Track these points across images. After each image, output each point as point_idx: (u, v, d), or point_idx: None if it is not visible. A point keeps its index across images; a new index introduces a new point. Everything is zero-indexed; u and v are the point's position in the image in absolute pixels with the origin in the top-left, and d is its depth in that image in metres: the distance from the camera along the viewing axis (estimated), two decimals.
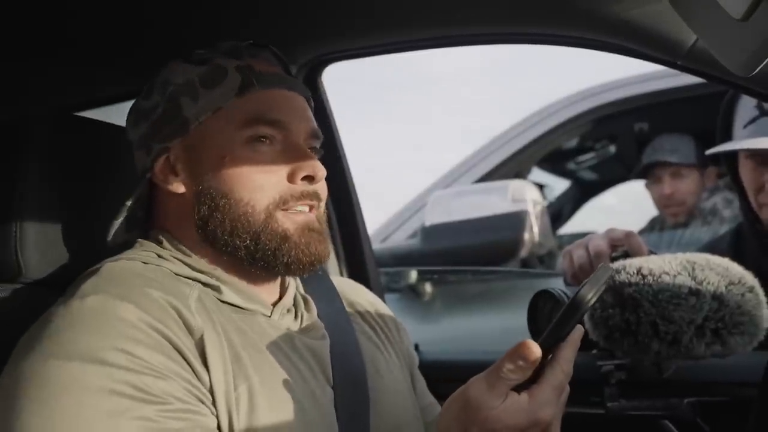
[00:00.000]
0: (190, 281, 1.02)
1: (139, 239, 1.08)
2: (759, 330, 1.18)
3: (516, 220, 2.50)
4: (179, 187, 1.06)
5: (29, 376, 0.85)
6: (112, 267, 0.99)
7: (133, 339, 0.87)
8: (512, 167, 3.12)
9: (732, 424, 1.30)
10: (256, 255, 1.03)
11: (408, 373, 1.25)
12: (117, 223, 1.10)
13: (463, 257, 2.47)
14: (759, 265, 1.30)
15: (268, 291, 1.09)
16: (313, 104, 1.16)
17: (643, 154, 2.92)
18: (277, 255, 1.02)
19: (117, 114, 1.43)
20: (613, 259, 1.35)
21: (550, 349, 0.84)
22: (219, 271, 1.05)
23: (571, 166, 3.53)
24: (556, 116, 3.07)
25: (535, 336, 1.17)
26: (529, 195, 2.58)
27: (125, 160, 1.14)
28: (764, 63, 0.75)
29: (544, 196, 3.12)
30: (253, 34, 1.18)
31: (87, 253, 1.12)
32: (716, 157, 1.78)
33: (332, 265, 1.70)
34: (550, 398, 0.83)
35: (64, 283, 1.01)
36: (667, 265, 1.18)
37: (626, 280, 1.18)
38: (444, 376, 1.33)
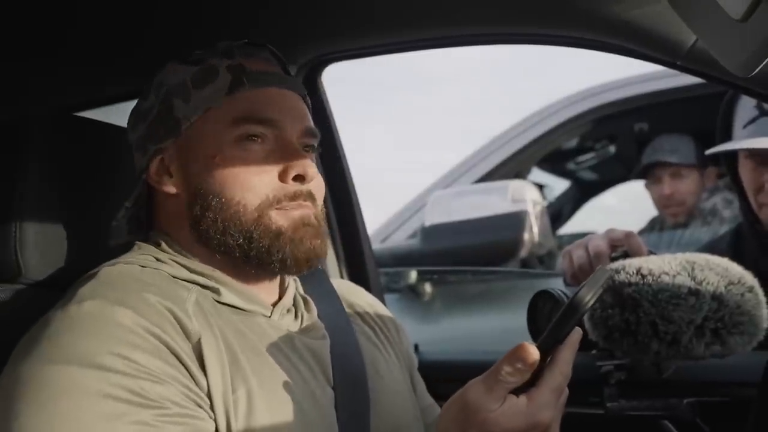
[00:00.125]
0: (187, 284, 1.01)
1: (138, 242, 1.08)
2: (758, 330, 1.18)
3: (516, 221, 2.50)
4: (173, 188, 1.07)
5: (27, 379, 0.85)
6: (109, 271, 0.99)
7: (130, 343, 0.87)
8: (512, 167, 3.12)
9: (731, 424, 1.30)
10: (250, 253, 1.02)
11: (408, 374, 1.25)
12: (118, 224, 1.10)
13: (462, 257, 2.47)
14: (758, 265, 1.30)
15: (268, 291, 1.09)
16: (309, 102, 1.15)
17: (643, 154, 2.92)
18: (271, 252, 1.02)
19: (117, 114, 1.43)
20: (613, 260, 1.35)
21: (548, 351, 0.84)
22: (217, 273, 1.05)
23: (570, 166, 3.53)
24: (556, 116, 3.07)
25: (534, 336, 1.18)
26: (529, 195, 2.58)
27: (125, 161, 1.14)
28: (764, 63, 0.75)
29: (543, 197, 3.12)
30: (253, 34, 1.18)
31: (87, 254, 1.12)
32: (716, 157, 1.78)
33: (332, 265, 1.70)
34: (548, 401, 0.83)
35: (63, 284, 1.01)
36: (666, 265, 1.18)
37: (626, 280, 1.18)
38: (444, 376, 1.33)
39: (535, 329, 1.37)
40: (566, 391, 0.87)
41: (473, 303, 2.30)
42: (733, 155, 1.65)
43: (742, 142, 1.58)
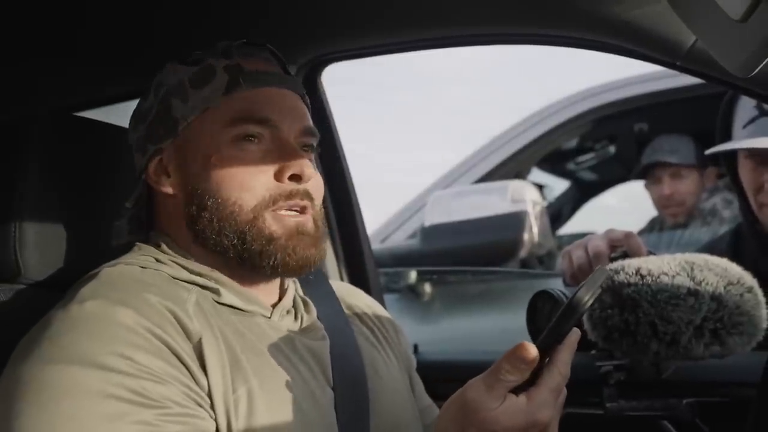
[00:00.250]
0: (188, 285, 1.01)
1: (138, 243, 1.08)
2: (758, 330, 1.18)
3: (515, 221, 2.51)
4: (171, 188, 1.07)
5: (28, 379, 0.85)
6: (110, 272, 0.99)
7: (131, 344, 0.87)
8: (512, 167, 3.12)
9: (731, 424, 1.30)
10: (243, 255, 1.02)
11: (406, 375, 1.25)
12: (119, 224, 1.10)
13: (462, 257, 2.48)
14: (758, 265, 1.30)
15: (267, 292, 1.09)
16: (308, 102, 1.15)
17: (643, 154, 2.92)
18: (263, 257, 1.02)
19: (117, 114, 1.43)
20: (612, 260, 1.35)
21: (547, 351, 0.84)
22: (216, 273, 1.05)
23: (570, 166, 3.53)
24: (556, 116, 3.07)
25: (534, 336, 1.18)
26: (529, 195, 2.58)
27: (126, 161, 1.14)
28: (763, 63, 0.75)
29: (543, 197, 3.12)
30: (253, 34, 1.18)
31: (86, 254, 1.12)
32: (716, 157, 1.78)
33: (331, 265, 1.70)
34: (547, 400, 0.83)
35: (63, 284, 1.01)
36: (665, 266, 1.18)
37: (625, 281, 1.18)
38: (443, 376, 1.33)
39: (534, 329, 1.37)
40: (564, 391, 0.87)
41: (473, 303, 2.30)
42: (732, 155, 1.65)
43: (741, 142, 1.58)
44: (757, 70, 0.76)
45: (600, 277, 0.86)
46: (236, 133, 1.03)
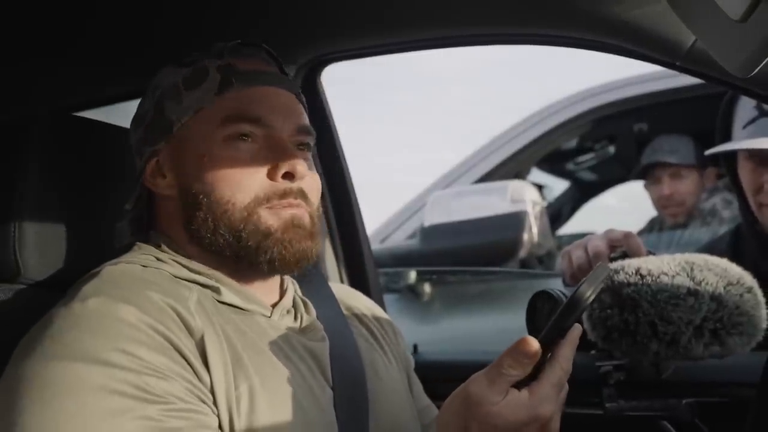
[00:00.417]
0: (188, 283, 1.02)
1: (138, 243, 1.08)
2: (757, 330, 1.18)
3: (515, 221, 2.51)
4: (167, 190, 1.07)
5: (31, 377, 0.86)
6: (112, 270, 1.00)
7: (134, 340, 0.88)
8: (512, 167, 3.12)
9: (730, 424, 1.30)
10: (239, 253, 1.03)
11: (405, 376, 1.26)
12: (121, 226, 1.11)
13: (462, 258, 2.48)
14: (758, 265, 1.30)
15: (267, 292, 1.09)
16: (304, 100, 1.15)
17: (643, 154, 2.92)
18: (260, 252, 1.02)
19: (117, 114, 1.43)
20: (612, 260, 1.35)
21: (549, 346, 0.85)
22: (216, 273, 1.05)
23: (570, 166, 3.53)
24: (556, 116, 3.07)
25: (534, 336, 1.17)
26: (529, 195, 2.58)
27: (126, 161, 1.14)
28: (763, 64, 0.75)
29: (543, 197, 3.12)
30: (253, 34, 1.18)
31: (86, 254, 1.12)
32: (715, 157, 1.78)
33: (331, 265, 1.70)
34: (549, 395, 0.84)
35: (63, 284, 1.01)
36: (665, 266, 1.18)
37: (625, 281, 1.18)
38: (443, 376, 1.33)
39: (534, 329, 1.37)
40: (566, 386, 0.88)
41: (472, 303, 2.30)
42: (732, 156, 1.65)
43: (741, 142, 1.58)
44: (756, 70, 0.76)
45: (602, 273, 0.86)
46: (229, 133, 1.04)
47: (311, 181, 1.08)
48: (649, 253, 1.38)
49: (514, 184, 2.64)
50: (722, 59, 0.82)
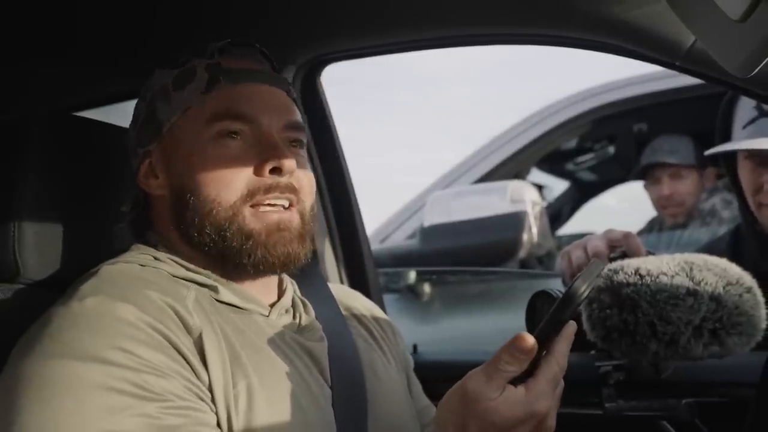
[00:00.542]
0: (187, 282, 1.02)
1: (136, 243, 1.09)
2: (757, 330, 1.18)
3: (515, 221, 2.51)
4: (160, 190, 1.08)
5: (30, 375, 0.86)
6: (110, 269, 1.00)
7: (132, 338, 0.88)
8: (511, 168, 3.12)
9: (730, 424, 1.30)
10: (225, 252, 1.02)
11: (404, 376, 1.26)
12: (120, 228, 1.11)
13: (462, 258, 2.48)
14: (757, 265, 1.30)
15: (265, 291, 1.09)
16: (294, 96, 1.15)
17: (642, 154, 2.92)
18: (242, 254, 1.02)
19: (117, 114, 1.43)
20: (612, 260, 1.35)
21: (545, 342, 0.85)
22: (213, 272, 1.05)
23: (570, 166, 3.53)
24: (556, 117, 3.07)
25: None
26: (528, 196, 2.58)
27: (125, 161, 1.14)
28: (763, 64, 0.75)
29: (543, 197, 3.12)
30: (252, 34, 1.18)
31: (85, 254, 1.12)
32: (715, 158, 1.78)
33: (330, 265, 1.70)
34: (546, 390, 0.84)
35: (62, 284, 1.01)
36: (665, 266, 1.18)
37: (624, 281, 1.18)
38: (443, 376, 1.32)
39: (533, 329, 1.37)
40: (562, 382, 0.88)
41: (472, 303, 2.30)
42: (732, 156, 1.65)
43: (741, 142, 1.58)
44: (756, 70, 0.76)
45: (596, 269, 0.87)
46: (216, 131, 1.04)
47: (304, 178, 1.07)
48: (649, 253, 1.38)
49: (513, 184, 2.64)
50: (722, 59, 0.82)
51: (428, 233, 2.62)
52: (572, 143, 3.35)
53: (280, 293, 1.12)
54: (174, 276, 1.02)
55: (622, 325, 1.18)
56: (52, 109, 1.32)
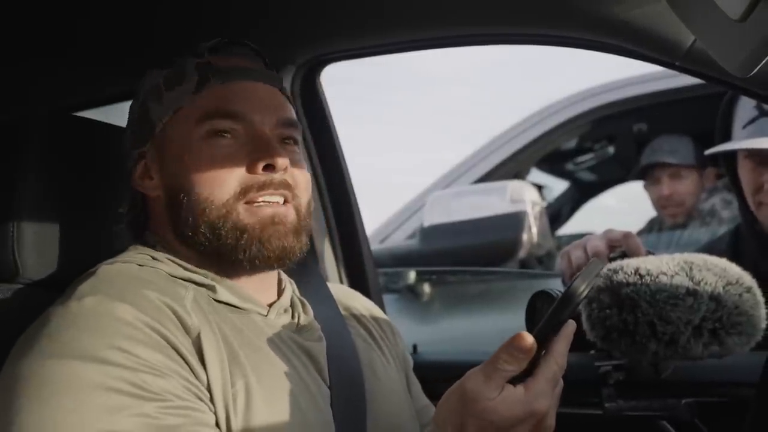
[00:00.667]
0: (185, 282, 1.02)
1: (134, 243, 1.09)
2: (756, 330, 1.18)
3: (515, 221, 2.51)
4: (155, 191, 1.08)
5: (28, 375, 0.86)
6: (108, 269, 1.00)
7: (130, 338, 0.88)
8: (511, 168, 3.12)
9: (730, 424, 1.30)
10: (220, 250, 1.02)
11: (403, 375, 1.26)
12: (119, 229, 1.11)
13: (461, 258, 2.48)
14: (757, 265, 1.30)
15: (263, 291, 1.09)
16: (288, 93, 1.14)
17: (642, 154, 2.92)
18: (238, 249, 1.02)
19: (117, 114, 1.43)
20: (611, 260, 1.35)
21: (544, 342, 0.85)
22: (210, 272, 1.05)
23: (569, 166, 3.53)
24: (556, 117, 3.07)
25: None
26: (528, 196, 2.58)
27: (124, 161, 1.14)
28: (762, 63, 0.75)
29: (542, 197, 3.12)
30: (252, 34, 1.18)
31: (84, 254, 1.12)
32: (715, 157, 1.78)
33: (330, 265, 1.70)
34: (545, 390, 0.84)
35: (61, 284, 1.01)
36: (664, 266, 1.18)
37: (624, 280, 1.18)
38: (442, 376, 1.32)
39: (533, 329, 1.37)
40: (561, 382, 0.88)
41: (472, 303, 2.30)
42: (732, 156, 1.65)
43: (741, 142, 1.58)
44: (756, 69, 0.76)
45: (596, 268, 0.87)
46: (207, 130, 1.04)
47: (298, 175, 1.07)
48: (649, 253, 1.38)
49: (513, 185, 2.64)
50: (721, 59, 0.82)
51: (428, 233, 2.62)
52: (572, 143, 3.35)
53: (279, 293, 1.12)
54: (172, 276, 1.02)
55: (621, 324, 1.18)
56: (52, 109, 1.32)
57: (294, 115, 1.11)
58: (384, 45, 1.41)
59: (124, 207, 1.11)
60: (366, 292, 1.57)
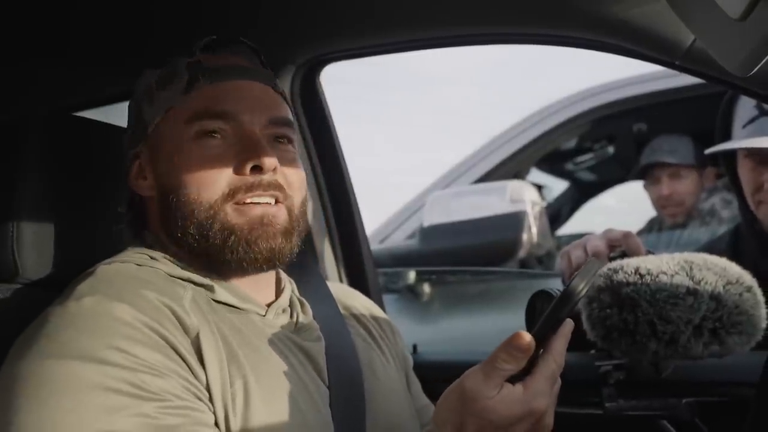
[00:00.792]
0: (183, 282, 1.02)
1: (132, 243, 1.09)
2: (757, 330, 1.18)
3: (514, 221, 2.51)
4: (149, 191, 1.08)
5: (27, 375, 0.86)
6: (107, 269, 1.00)
7: (129, 338, 0.88)
8: (511, 168, 3.12)
9: (730, 424, 1.30)
10: (208, 251, 1.02)
11: (403, 375, 1.26)
12: (118, 229, 1.11)
13: (461, 258, 2.48)
14: (757, 264, 1.30)
15: (262, 291, 1.09)
16: (282, 91, 1.14)
17: (642, 154, 2.92)
18: (224, 251, 1.01)
19: (116, 114, 1.43)
20: (611, 260, 1.35)
21: (542, 341, 0.86)
22: (205, 272, 1.05)
23: (569, 166, 3.53)
24: (555, 116, 3.07)
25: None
26: (528, 195, 2.58)
27: (124, 161, 1.14)
28: (762, 63, 0.75)
29: (542, 197, 3.12)
30: (251, 34, 1.18)
31: (84, 254, 1.12)
32: (715, 157, 1.78)
33: (330, 265, 1.70)
34: (543, 388, 0.85)
35: (60, 284, 1.01)
36: (664, 265, 1.18)
37: (624, 280, 1.18)
38: (442, 376, 1.32)
39: (533, 329, 1.37)
40: (559, 380, 0.88)
41: (472, 303, 2.30)
42: (732, 155, 1.65)
43: (741, 141, 1.58)
44: (756, 69, 0.76)
45: (594, 268, 0.88)
46: (196, 130, 1.03)
47: (291, 174, 1.06)
48: (649, 252, 1.38)
49: (513, 184, 2.64)
50: (721, 58, 0.82)
51: (428, 233, 2.62)
52: (572, 143, 3.35)
53: (278, 293, 1.12)
54: (171, 276, 1.02)
55: (621, 324, 1.18)
56: (52, 109, 1.32)
57: (288, 114, 1.11)
58: (384, 45, 1.41)
59: (123, 207, 1.11)
60: (366, 292, 1.57)
